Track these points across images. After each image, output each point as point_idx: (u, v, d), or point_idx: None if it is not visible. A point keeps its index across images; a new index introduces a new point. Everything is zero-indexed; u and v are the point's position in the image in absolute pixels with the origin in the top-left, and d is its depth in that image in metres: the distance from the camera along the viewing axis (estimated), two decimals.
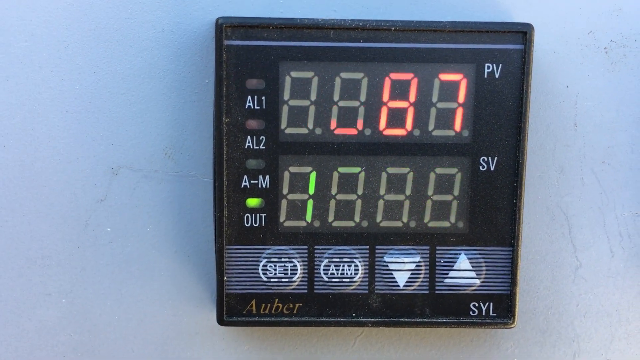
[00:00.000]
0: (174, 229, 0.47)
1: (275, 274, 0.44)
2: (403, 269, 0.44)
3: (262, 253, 0.44)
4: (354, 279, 0.44)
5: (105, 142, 0.46)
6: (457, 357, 0.49)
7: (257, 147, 0.43)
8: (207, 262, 0.47)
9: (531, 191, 0.47)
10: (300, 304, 0.44)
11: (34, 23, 0.44)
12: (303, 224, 0.44)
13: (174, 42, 0.45)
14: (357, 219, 0.44)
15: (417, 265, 0.44)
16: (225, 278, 0.44)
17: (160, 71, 0.45)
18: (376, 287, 0.44)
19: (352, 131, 0.43)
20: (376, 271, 0.44)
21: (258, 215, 0.43)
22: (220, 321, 0.44)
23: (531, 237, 0.47)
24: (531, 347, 0.49)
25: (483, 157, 0.43)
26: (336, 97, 0.43)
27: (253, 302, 0.44)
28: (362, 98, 0.43)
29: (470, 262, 0.44)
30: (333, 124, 0.43)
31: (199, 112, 0.46)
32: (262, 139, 0.43)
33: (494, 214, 0.44)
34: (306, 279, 0.44)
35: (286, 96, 0.43)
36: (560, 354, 0.49)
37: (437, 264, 0.44)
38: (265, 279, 0.44)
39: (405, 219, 0.44)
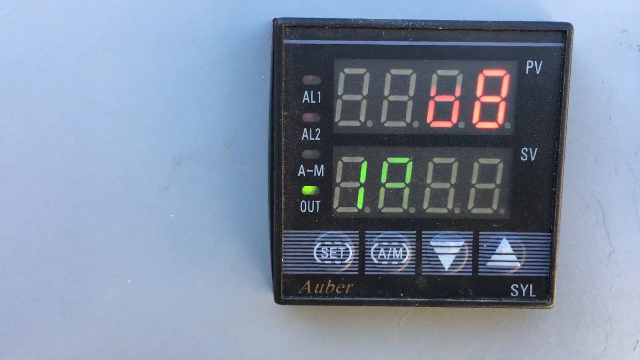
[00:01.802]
0: (231, 215, 0.49)
1: (329, 256, 0.47)
2: (448, 252, 0.47)
3: (317, 237, 0.46)
4: (402, 262, 0.47)
5: (169, 134, 0.48)
6: (497, 337, 0.51)
7: (313, 139, 0.45)
8: (262, 246, 0.50)
9: (567, 181, 0.49)
10: (352, 285, 0.47)
11: (104, 24, 0.47)
12: (355, 210, 0.46)
13: (233, 41, 0.48)
14: (405, 205, 0.46)
15: (461, 249, 0.47)
16: (282, 260, 0.46)
17: (220, 68, 0.48)
18: (423, 270, 0.47)
19: (401, 124, 0.46)
20: (423, 254, 0.47)
21: (313, 201, 0.46)
22: (278, 300, 0.47)
23: (567, 224, 0.50)
24: (566, 327, 0.51)
25: (524, 148, 0.46)
26: (386, 92, 0.45)
27: (308, 282, 0.47)
28: (411, 93, 0.45)
29: (512, 247, 0.47)
30: (383, 117, 0.46)
31: (255, 106, 0.48)
32: (318, 131, 0.45)
33: (534, 201, 0.46)
34: (357, 262, 0.47)
35: (340, 91, 0.45)
36: (594, 334, 0.51)
37: (480, 248, 0.47)
38: (319, 261, 0.47)
39: (450, 206, 0.46)
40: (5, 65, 0.47)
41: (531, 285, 0.47)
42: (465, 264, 0.47)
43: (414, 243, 0.47)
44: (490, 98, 0.45)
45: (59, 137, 0.48)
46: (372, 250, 0.47)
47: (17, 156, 0.48)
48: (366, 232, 0.46)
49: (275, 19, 0.45)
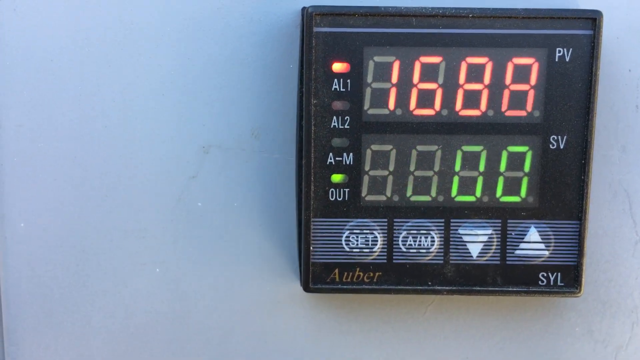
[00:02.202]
0: (259, 203, 0.49)
1: (357, 244, 0.47)
2: (476, 240, 0.47)
3: (345, 225, 0.47)
4: (430, 250, 0.47)
5: (197, 123, 0.49)
6: (523, 326, 0.51)
7: (342, 127, 0.46)
8: (289, 235, 0.50)
9: (595, 169, 0.49)
10: (380, 273, 0.47)
11: (133, 13, 0.48)
12: (383, 198, 0.47)
13: (261, 30, 0.48)
14: (433, 193, 0.46)
15: (489, 238, 0.47)
16: (311, 248, 0.46)
17: (249, 57, 0.48)
18: (451, 258, 0.47)
19: (430, 112, 0.46)
20: (451, 243, 0.47)
21: (342, 190, 0.46)
22: (306, 288, 0.47)
23: (594, 212, 0.50)
24: (592, 316, 0.51)
25: (553, 136, 0.46)
26: (415, 80, 0.45)
27: (336, 270, 0.47)
28: (440, 81, 0.45)
29: (540, 235, 0.47)
30: (412, 105, 0.46)
31: (283, 95, 0.48)
32: (347, 119, 0.46)
33: (563, 189, 0.46)
34: (385, 250, 0.47)
35: (369, 79, 0.45)
36: (620, 323, 0.51)
37: (508, 236, 0.47)
38: (347, 250, 0.47)
39: (478, 194, 0.47)
40: (36, 55, 0.48)
41: (559, 274, 0.47)
42: (494, 253, 0.47)
43: (442, 231, 0.47)
44: (519, 86, 0.45)
45: (87, 126, 0.48)
46: (400, 239, 0.47)
47: (47, 146, 0.49)
48: (395, 220, 0.47)
49: (305, 7, 0.45)
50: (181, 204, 0.49)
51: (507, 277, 0.47)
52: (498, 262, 0.47)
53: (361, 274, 0.47)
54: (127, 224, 0.50)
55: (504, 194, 0.46)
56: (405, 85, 0.45)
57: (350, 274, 0.47)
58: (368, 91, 0.45)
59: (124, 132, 0.48)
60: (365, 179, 0.46)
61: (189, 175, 0.49)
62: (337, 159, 0.46)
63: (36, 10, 0.47)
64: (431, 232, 0.47)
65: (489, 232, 0.47)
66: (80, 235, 0.50)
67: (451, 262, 0.47)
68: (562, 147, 0.46)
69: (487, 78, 0.45)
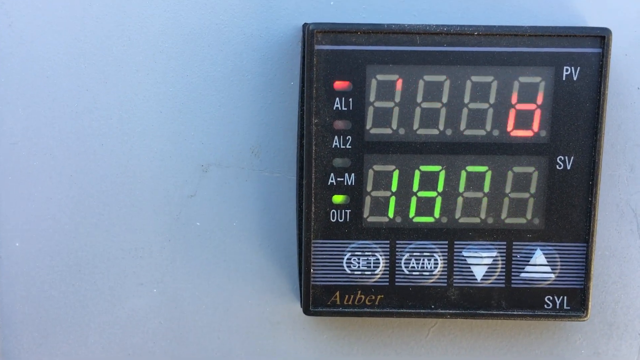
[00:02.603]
0: (258, 223, 0.49)
1: (359, 267, 0.46)
2: (481, 263, 0.46)
3: (347, 247, 0.46)
4: (434, 273, 0.46)
5: (196, 140, 0.48)
6: (527, 349, 0.50)
7: (344, 147, 0.45)
8: (289, 255, 0.49)
9: (602, 189, 0.48)
10: (382, 296, 0.46)
11: (131, 29, 0.47)
12: (385, 219, 0.46)
13: (262, 47, 0.47)
14: (437, 215, 0.46)
15: (494, 260, 0.46)
16: (312, 270, 0.45)
17: (248, 74, 0.47)
18: (454, 281, 0.46)
19: (433, 131, 0.45)
20: (455, 265, 0.46)
21: (343, 211, 0.45)
22: (307, 311, 0.46)
23: (601, 233, 0.49)
24: (599, 339, 0.50)
25: (560, 157, 0.45)
26: (419, 99, 0.44)
27: (337, 293, 0.46)
28: (444, 100, 0.44)
29: (546, 257, 0.46)
30: (416, 124, 0.45)
31: (283, 113, 0.48)
32: (349, 138, 0.45)
33: (570, 211, 0.45)
34: (388, 272, 0.46)
35: (372, 98, 0.44)
36: (627, 346, 0.50)
37: (513, 258, 0.46)
38: (349, 272, 0.46)
39: (483, 216, 0.46)
40: (32, 71, 0.47)
41: (566, 297, 0.46)
42: (498, 275, 0.46)
43: (446, 253, 0.46)
44: (525, 105, 0.44)
45: (85, 143, 0.48)
46: (403, 261, 0.46)
47: (42, 164, 0.48)
48: (397, 242, 0.46)
49: (306, 24, 0.44)
50: (179, 223, 0.48)
51: (512, 300, 0.46)
52: (503, 285, 0.46)
53: (363, 296, 0.46)
54: (124, 243, 0.49)
55: (510, 215, 0.45)
56: (408, 104, 0.44)
57: (352, 296, 0.46)
58: (370, 110, 0.44)
59: (121, 150, 0.48)
60: (367, 199, 0.45)
61: (187, 194, 0.48)
62: (338, 179, 0.45)
63: (32, 26, 0.47)
64: (434, 254, 0.46)
65: (494, 254, 0.46)
66: (77, 254, 0.49)
67: (455, 285, 0.46)
68: (569, 167, 0.45)
69: (492, 97, 0.44)
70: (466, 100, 0.44)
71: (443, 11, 0.46)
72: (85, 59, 0.47)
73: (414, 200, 0.45)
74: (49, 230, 0.49)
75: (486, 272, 0.46)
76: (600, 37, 0.44)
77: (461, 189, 0.45)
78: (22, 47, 0.47)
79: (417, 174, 0.45)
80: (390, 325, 0.50)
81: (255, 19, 0.47)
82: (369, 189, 0.45)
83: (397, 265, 0.46)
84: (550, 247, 0.46)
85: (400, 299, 0.46)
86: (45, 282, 0.49)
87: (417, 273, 0.46)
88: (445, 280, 0.46)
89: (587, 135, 0.45)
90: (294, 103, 0.47)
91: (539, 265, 0.46)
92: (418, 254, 0.46)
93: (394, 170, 0.45)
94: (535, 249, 0.46)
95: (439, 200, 0.45)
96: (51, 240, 0.49)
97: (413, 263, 0.46)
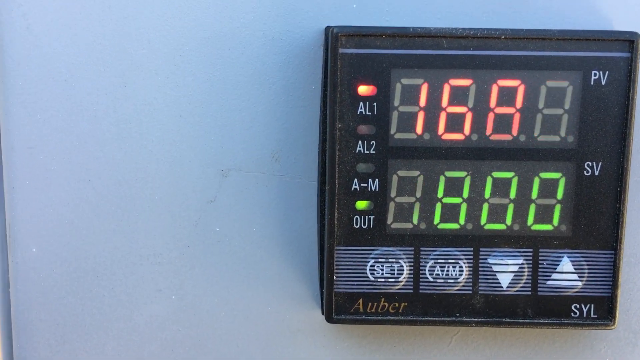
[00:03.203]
0: (279, 229, 0.48)
1: (382, 274, 0.45)
2: (506, 270, 0.45)
3: (370, 254, 0.45)
4: (459, 280, 0.45)
5: (216, 145, 0.47)
6: (552, 357, 0.49)
7: (368, 152, 0.44)
8: (310, 261, 0.48)
9: (630, 195, 0.46)
10: (406, 304, 0.45)
11: (151, 32, 0.46)
12: (410, 226, 0.45)
13: (283, 50, 0.46)
14: (462, 221, 0.45)
15: (520, 267, 0.45)
16: (334, 278, 0.45)
17: (270, 78, 0.46)
18: (480, 288, 0.45)
19: (459, 136, 0.44)
20: (480, 272, 0.45)
21: (367, 217, 0.44)
22: (329, 319, 0.45)
23: (627, 239, 0.48)
24: (624, 347, 0.49)
25: (588, 162, 0.44)
26: (444, 104, 0.44)
27: (360, 301, 0.45)
28: (470, 104, 0.44)
29: (573, 265, 0.45)
30: (441, 129, 0.44)
31: (305, 117, 0.47)
32: (373, 143, 0.44)
33: (597, 217, 0.44)
34: (412, 279, 0.45)
35: (396, 102, 0.44)
36: None
37: (540, 266, 0.45)
38: (372, 279, 0.45)
39: (509, 222, 0.45)
40: (50, 74, 0.46)
41: (593, 306, 0.45)
42: (524, 283, 0.45)
43: (471, 260, 0.45)
44: (552, 110, 0.44)
45: (104, 148, 0.47)
46: (427, 268, 0.45)
47: (60, 168, 0.47)
48: (421, 248, 0.45)
49: (329, 27, 0.44)
50: (198, 228, 0.48)
51: (538, 308, 0.45)
52: (529, 293, 0.45)
53: (386, 304, 0.45)
54: (143, 249, 0.48)
55: (536, 222, 0.45)
56: (433, 108, 0.44)
57: (375, 304, 0.45)
58: (395, 115, 0.44)
59: (140, 154, 0.47)
60: (391, 205, 0.44)
61: (207, 199, 0.48)
62: (362, 185, 0.44)
63: (50, 29, 0.46)
64: (459, 261, 0.45)
65: (520, 261, 0.45)
66: (94, 260, 0.48)
67: (480, 292, 0.45)
68: (596, 173, 0.44)
69: (519, 101, 0.44)
70: (492, 104, 0.44)
71: (469, 14, 0.46)
72: (104, 62, 0.46)
73: (438, 206, 0.45)
74: (66, 236, 0.48)
75: (512, 279, 0.45)
76: (629, 42, 0.43)
77: (487, 195, 0.45)
78: (40, 49, 0.46)
79: (442, 179, 0.44)
80: (412, 333, 0.49)
81: (277, 22, 0.46)
82: (393, 194, 0.44)
83: (421, 272, 0.45)
84: (577, 255, 0.45)
85: (425, 307, 0.45)
86: (62, 288, 0.49)
87: (442, 280, 0.45)
88: (470, 288, 0.45)
89: (615, 140, 0.44)
90: (315, 107, 0.46)
91: (566, 273, 0.45)
92: (443, 261, 0.45)
93: (419, 175, 0.44)
94: (562, 257, 0.45)
95: (464, 207, 0.45)
96: (68, 245, 0.48)
97: (437, 270, 0.45)
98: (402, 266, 0.45)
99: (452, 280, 0.45)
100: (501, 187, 0.44)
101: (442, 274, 0.45)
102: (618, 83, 0.43)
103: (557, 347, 0.49)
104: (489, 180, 0.44)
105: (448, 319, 0.45)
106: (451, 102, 0.44)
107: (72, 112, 0.47)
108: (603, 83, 0.43)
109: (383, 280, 0.45)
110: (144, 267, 0.48)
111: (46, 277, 0.48)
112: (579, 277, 0.45)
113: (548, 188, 0.44)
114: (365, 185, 0.44)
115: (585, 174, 0.44)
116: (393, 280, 0.45)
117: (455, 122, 0.44)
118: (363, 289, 0.45)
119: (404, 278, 0.45)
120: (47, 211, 0.48)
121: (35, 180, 0.47)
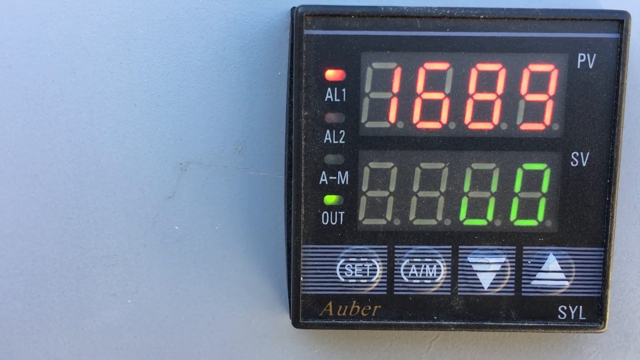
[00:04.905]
0: (243, 227, 0.46)
1: (354, 274, 0.43)
2: (488, 270, 0.43)
3: (340, 253, 0.43)
4: (436, 280, 0.43)
5: (174, 136, 0.45)
6: None
7: (337, 142, 0.42)
8: (277, 261, 0.46)
9: (620, 188, 0.44)
10: (379, 306, 0.43)
11: (102, 13, 0.44)
12: (383, 222, 0.43)
13: (246, 33, 0.44)
14: (439, 217, 0.43)
15: (502, 266, 0.43)
16: (301, 279, 0.43)
17: (232, 63, 0.44)
18: (459, 289, 0.43)
19: (435, 125, 0.42)
20: (459, 272, 0.43)
21: (336, 213, 0.42)
22: (296, 324, 0.43)
23: (617, 236, 0.46)
24: (615, 351, 0.48)
25: (574, 152, 0.42)
26: (419, 89, 0.42)
27: (330, 303, 0.43)
28: (447, 90, 0.42)
29: (559, 263, 0.43)
30: (416, 117, 0.42)
31: (270, 106, 0.45)
32: (342, 133, 0.42)
33: (585, 212, 0.42)
34: (385, 280, 0.43)
35: (367, 88, 0.41)
36: None
37: (523, 264, 0.43)
38: (342, 280, 0.43)
39: (490, 218, 0.43)
40: (1, 65, 0.44)
41: (581, 307, 0.43)
42: (507, 283, 0.43)
43: (450, 259, 0.43)
44: (536, 96, 0.42)
45: (51, 140, 0.45)
46: (402, 268, 0.43)
47: (4, 162, 0.45)
48: (396, 247, 0.43)
49: (294, 7, 0.41)
50: (156, 227, 0.46)
51: (522, 310, 0.43)
52: (512, 294, 0.43)
53: (358, 307, 0.43)
54: (95, 249, 0.46)
55: (519, 217, 0.43)
56: (407, 95, 0.41)
57: (346, 307, 0.43)
58: (366, 102, 0.42)
59: (91, 147, 0.45)
60: (363, 200, 0.42)
61: (164, 195, 0.45)
62: (330, 178, 0.42)
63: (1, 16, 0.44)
64: (437, 260, 0.43)
65: (502, 260, 0.43)
66: (42, 262, 0.46)
67: (459, 293, 0.43)
68: (584, 164, 0.42)
69: (500, 87, 0.42)
70: (471, 90, 0.42)
71: None
72: (51, 47, 0.44)
73: (414, 200, 0.43)
74: (12, 236, 0.46)
75: (494, 279, 0.43)
76: (619, 22, 0.41)
77: (466, 188, 0.43)
78: None
79: (417, 171, 0.42)
80: (388, 338, 0.47)
81: (239, 3, 0.44)
82: (364, 188, 0.42)
83: (395, 272, 0.43)
84: (564, 252, 0.43)
85: (399, 310, 0.43)
86: (8, 292, 0.46)
87: (418, 281, 0.43)
88: (449, 289, 0.43)
89: (604, 129, 0.42)
90: (281, 95, 0.44)
91: (552, 272, 0.43)
92: (419, 260, 0.43)
93: (392, 167, 0.42)
94: (548, 254, 0.43)
95: (441, 201, 0.43)
96: (14, 246, 0.46)
97: (413, 270, 0.43)
98: (375, 266, 0.43)
99: (429, 281, 0.43)
100: (481, 179, 0.42)
101: (419, 274, 0.43)
102: (607, 66, 0.41)
103: (544, 352, 0.47)
104: (468, 172, 0.42)
105: (425, 322, 0.43)
106: (427, 88, 0.42)
107: (16, 101, 0.45)
108: (590, 67, 0.41)
109: (354, 281, 0.43)
110: (96, 269, 0.46)
111: None
112: (566, 276, 0.43)
113: (532, 180, 0.42)
114: (334, 178, 0.42)
115: (572, 165, 0.42)
116: (365, 281, 0.43)
117: (431, 110, 0.42)
118: (333, 290, 0.43)
119: (377, 279, 0.43)
120: None
121: None
